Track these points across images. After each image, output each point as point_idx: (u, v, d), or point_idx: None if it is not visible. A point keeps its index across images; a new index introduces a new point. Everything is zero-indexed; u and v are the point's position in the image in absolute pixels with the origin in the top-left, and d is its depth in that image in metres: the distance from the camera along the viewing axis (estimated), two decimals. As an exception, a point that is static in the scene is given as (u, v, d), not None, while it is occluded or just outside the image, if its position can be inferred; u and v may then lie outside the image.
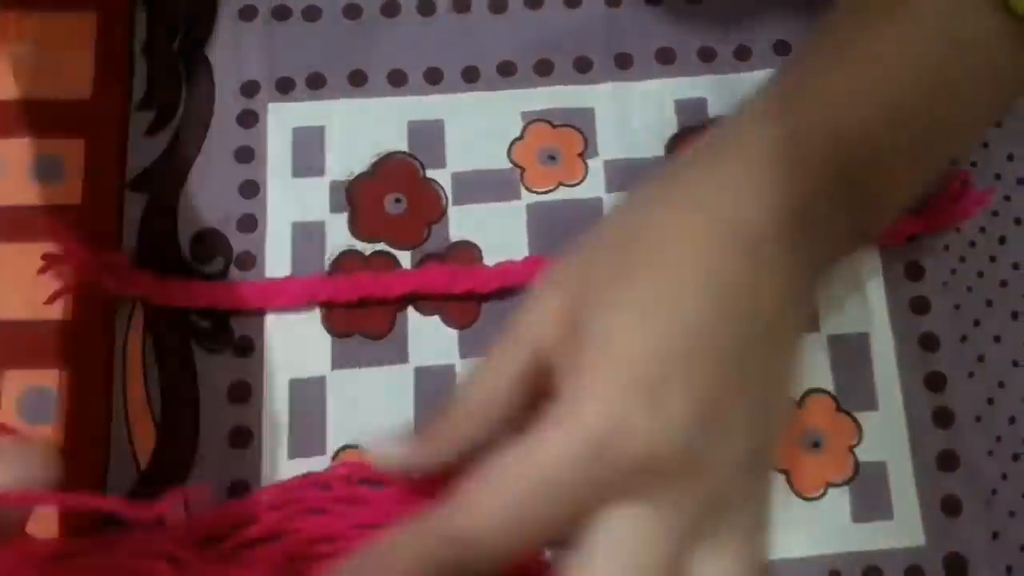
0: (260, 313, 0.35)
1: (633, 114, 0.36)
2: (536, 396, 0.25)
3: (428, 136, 0.37)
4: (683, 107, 0.37)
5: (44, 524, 0.30)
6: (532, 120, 0.37)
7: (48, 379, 0.34)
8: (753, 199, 0.25)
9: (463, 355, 0.34)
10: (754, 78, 0.37)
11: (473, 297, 0.35)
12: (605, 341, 0.24)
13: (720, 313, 0.24)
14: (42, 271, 0.34)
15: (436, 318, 0.35)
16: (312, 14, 0.38)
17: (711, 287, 0.24)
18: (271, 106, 0.37)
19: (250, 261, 0.35)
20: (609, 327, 0.24)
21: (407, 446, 0.28)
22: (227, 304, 0.34)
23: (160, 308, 0.35)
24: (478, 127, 0.37)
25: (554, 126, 0.37)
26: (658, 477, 0.23)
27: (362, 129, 0.37)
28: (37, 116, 0.37)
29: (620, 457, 0.23)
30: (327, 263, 0.35)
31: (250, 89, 0.37)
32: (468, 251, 0.35)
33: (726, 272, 0.24)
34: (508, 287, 0.34)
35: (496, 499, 0.23)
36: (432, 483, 0.31)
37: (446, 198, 0.36)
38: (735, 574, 0.24)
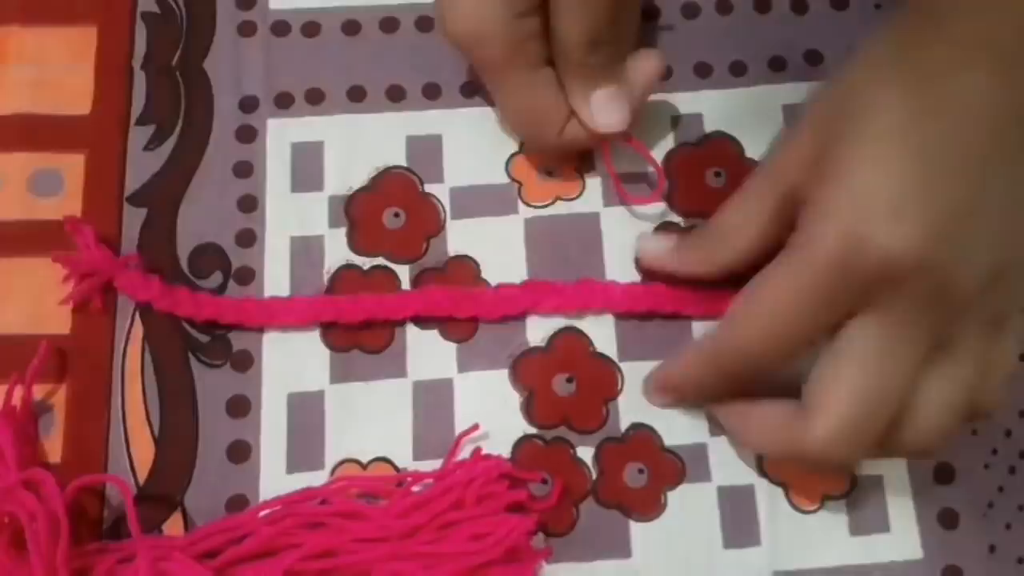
0: (260, 328, 0.35)
1: (630, 128, 0.36)
2: (788, 230, 0.28)
3: (427, 151, 0.37)
4: (679, 122, 0.37)
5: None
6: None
7: (47, 393, 0.34)
8: (995, 20, 0.26)
9: (461, 369, 0.34)
10: (750, 93, 0.38)
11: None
12: (846, 171, 0.26)
13: (961, 132, 0.25)
14: (57, 261, 0.34)
15: (435, 332, 0.35)
16: (311, 30, 0.39)
17: (953, 108, 0.26)
18: (270, 121, 0.37)
19: (249, 276, 0.35)
20: (850, 158, 0.26)
21: (674, 247, 0.33)
22: (230, 319, 0.34)
23: (159, 322, 0.35)
24: (476, 142, 0.37)
25: (551, 141, 0.37)
26: (899, 288, 0.25)
27: (361, 144, 0.37)
28: (36, 131, 0.37)
29: (861, 270, 0.26)
30: (326, 278, 0.35)
31: (249, 104, 0.38)
32: (466, 265, 0.35)
33: (971, 92, 0.26)
34: (512, 314, 0.34)
35: (756, 315, 0.28)
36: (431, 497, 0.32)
37: (444, 212, 0.36)
38: (960, 397, 0.27)
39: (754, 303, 0.29)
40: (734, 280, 0.31)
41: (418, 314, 0.34)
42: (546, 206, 0.36)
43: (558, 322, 0.35)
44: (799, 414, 0.28)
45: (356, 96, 0.38)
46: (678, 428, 0.33)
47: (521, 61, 0.32)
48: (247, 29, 0.39)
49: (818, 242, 0.26)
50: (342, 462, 0.33)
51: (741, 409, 0.31)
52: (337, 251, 0.36)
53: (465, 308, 0.34)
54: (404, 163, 0.37)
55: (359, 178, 0.37)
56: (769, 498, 0.33)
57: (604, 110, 0.33)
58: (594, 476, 0.33)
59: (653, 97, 0.37)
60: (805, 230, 0.27)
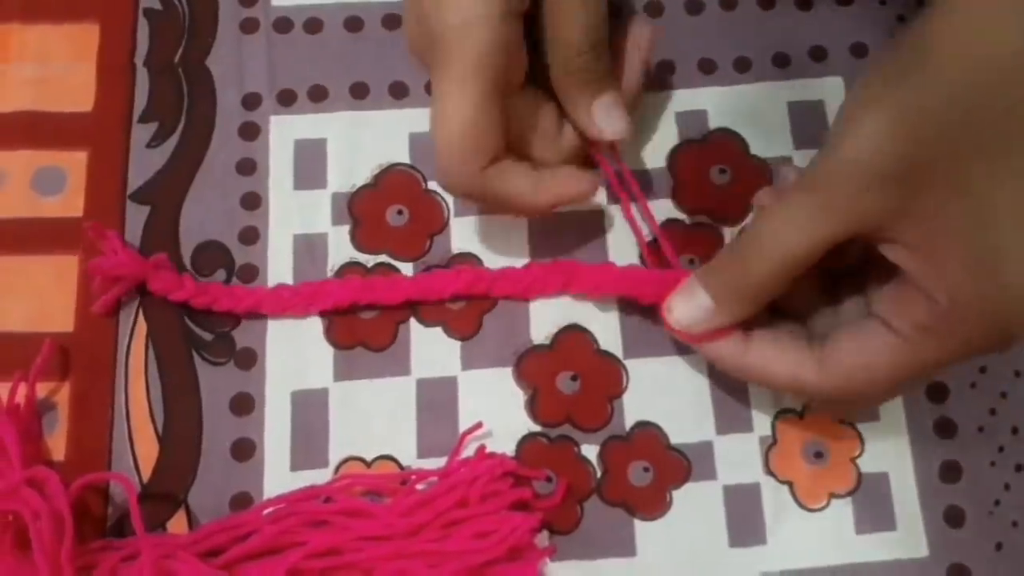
0: (263, 322, 0.35)
1: (634, 126, 0.36)
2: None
3: (430, 148, 0.36)
4: (684, 119, 0.37)
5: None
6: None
7: (51, 391, 0.34)
8: None
9: (465, 367, 0.34)
10: (754, 90, 0.37)
11: (474, 307, 0.35)
12: (961, 227, 0.25)
13: None
14: (91, 269, 0.34)
15: (438, 329, 0.35)
16: (313, 26, 0.39)
17: None
18: (273, 118, 0.37)
19: (252, 273, 0.35)
20: (960, 211, 0.25)
21: (707, 314, 0.30)
22: (269, 309, 0.34)
23: (163, 320, 0.35)
24: (480, 139, 0.37)
25: (555, 138, 0.37)
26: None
27: (364, 141, 0.37)
28: (39, 128, 0.37)
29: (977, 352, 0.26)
30: (329, 275, 0.35)
31: (252, 101, 0.37)
32: (470, 262, 0.35)
33: None
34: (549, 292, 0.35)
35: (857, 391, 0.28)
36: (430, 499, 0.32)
37: (448, 210, 0.36)
38: None
39: (860, 367, 0.28)
40: None
41: (458, 293, 0.34)
42: (550, 203, 0.36)
43: (562, 320, 0.35)
44: (816, 347, 0.29)
45: (359, 93, 0.38)
46: (683, 426, 0.33)
47: (518, 65, 0.30)
48: (249, 26, 0.39)
49: (966, 336, 0.26)
50: (346, 460, 0.33)
51: (762, 357, 0.30)
52: (340, 249, 0.36)
53: (500, 287, 0.34)
54: (407, 160, 0.37)
55: (362, 175, 0.37)
56: (775, 496, 0.33)
57: (609, 118, 0.32)
58: (598, 474, 0.33)
59: (657, 93, 0.37)
60: (946, 318, 0.26)
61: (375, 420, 0.34)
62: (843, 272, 0.30)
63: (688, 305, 0.30)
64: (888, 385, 0.28)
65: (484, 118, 0.29)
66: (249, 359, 0.34)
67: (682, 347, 0.34)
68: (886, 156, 0.25)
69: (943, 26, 0.24)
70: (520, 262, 0.35)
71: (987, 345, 0.26)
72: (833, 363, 0.28)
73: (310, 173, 0.37)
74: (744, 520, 0.32)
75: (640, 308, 0.34)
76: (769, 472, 0.33)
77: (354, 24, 0.39)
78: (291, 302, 0.34)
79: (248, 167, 0.37)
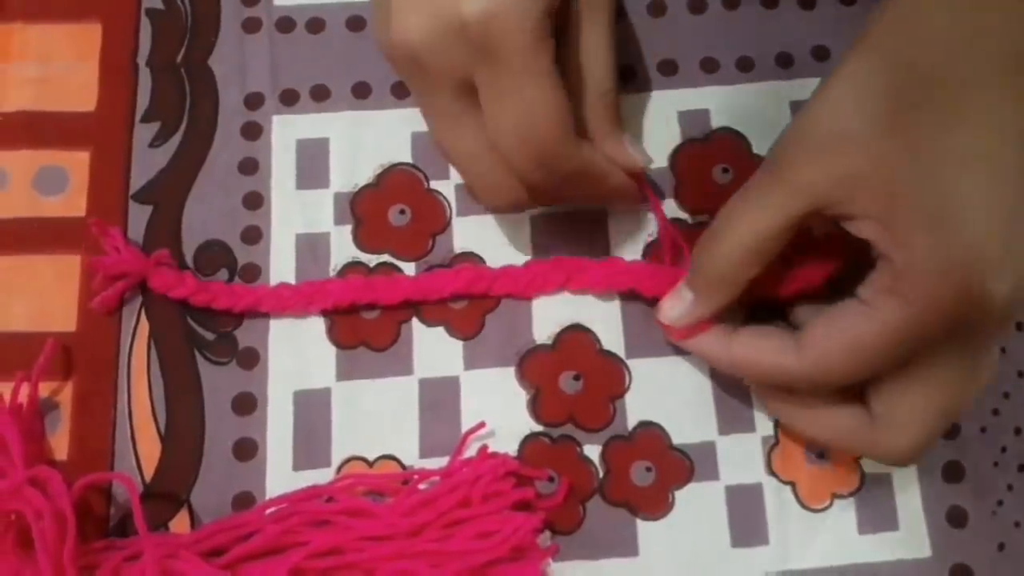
0: (265, 322, 0.35)
1: (636, 125, 0.36)
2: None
3: (432, 148, 0.37)
4: (686, 118, 0.37)
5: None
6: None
7: (53, 391, 0.34)
8: None
9: (468, 366, 0.34)
10: (757, 89, 0.37)
11: (477, 306, 0.35)
12: (952, 215, 0.25)
13: None
14: (91, 266, 0.34)
15: (441, 329, 0.35)
16: (316, 26, 0.39)
17: None
18: (275, 118, 0.37)
19: (254, 273, 0.35)
20: (955, 196, 0.25)
21: (689, 306, 0.31)
22: (269, 307, 0.34)
23: (165, 320, 0.35)
24: (482, 138, 0.37)
25: (558, 137, 0.37)
26: (988, 323, 0.27)
27: (366, 141, 0.37)
28: (41, 128, 0.37)
29: (964, 315, 0.26)
30: (331, 275, 0.35)
31: (254, 101, 0.37)
32: (472, 262, 0.35)
33: None
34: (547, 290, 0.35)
35: (837, 353, 0.28)
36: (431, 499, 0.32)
37: (450, 209, 0.36)
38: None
39: (834, 341, 0.28)
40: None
41: (458, 292, 0.34)
42: (552, 203, 0.36)
43: (565, 319, 0.35)
44: (877, 425, 0.29)
45: (361, 92, 0.38)
46: (686, 426, 0.33)
47: (548, 51, 0.29)
48: (252, 25, 0.39)
49: (926, 294, 0.26)
50: (348, 460, 0.33)
51: (809, 413, 0.31)
52: (343, 248, 0.36)
53: (501, 285, 0.34)
54: (410, 160, 0.37)
55: (365, 175, 0.37)
56: (777, 497, 0.33)
57: (638, 149, 0.34)
58: (601, 474, 0.33)
59: (660, 93, 0.37)
60: (904, 277, 0.26)
61: (377, 420, 0.34)
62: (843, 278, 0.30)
63: (673, 300, 0.31)
64: (863, 357, 0.28)
65: (562, 92, 0.29)
66: (251, 359, 0.34)
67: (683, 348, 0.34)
68: (833, 125, 0.26)
69: (886, 14, 0.27)
70: (522, 261, 0.35)
71: (957, 305, 0.26)
72: (809, 343, 0.28)
73: (312, 173, 0.37)
74: (746, 520, 0.32)
75: (643, 309, 0.34)
76: (771, 472, 0.33)
77: (356, 24, 0.39)
78: (291, 301, 0.34)
79: (250, 167, 0.37)
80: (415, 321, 0.35)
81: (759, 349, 0.30)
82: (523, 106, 0.28)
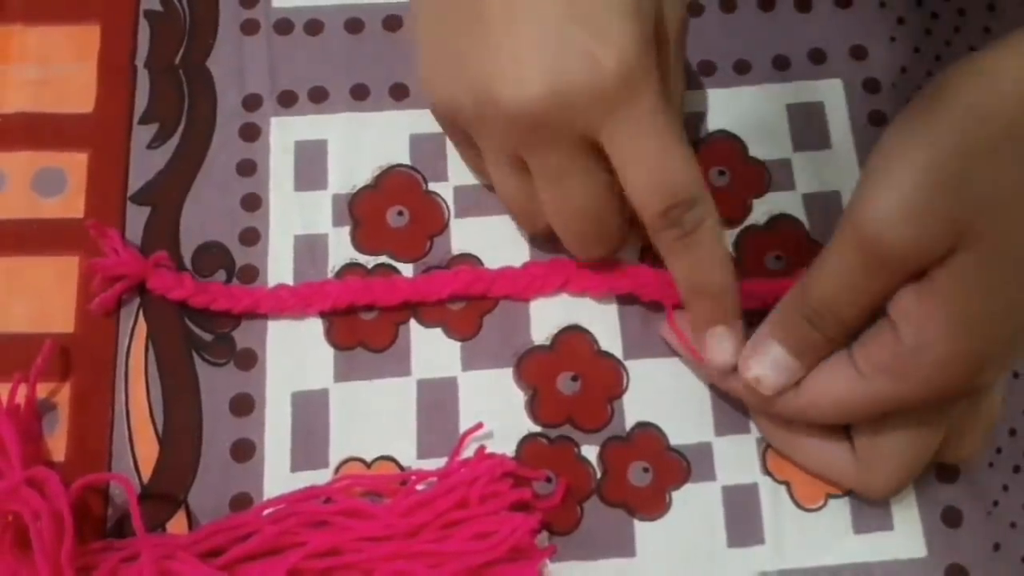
0: (263, 323, 0.35)
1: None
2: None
3: (430, 149, 0.37)
4: (684, 120, 0.37)
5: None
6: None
7: (51, 392, 0.34)
8: None
9: (465, 367, 0.34)
10: (754, 92, 0.38)
11: (475, 307, 0.35)
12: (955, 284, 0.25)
13: None
14: (90, 268, 0.34)
15: (438, 330, 0.35)
16: (314, 28, 0.39)
17: None
18: (273, 120, 0.37)
19: (252, 274, 0.35)
20: (961, 266, 0.25)
21: (790, 371, 0.29)
22: (267, 309, 0.34)
23: (163, 321, 0.35)
24: (480, 140, 0.37)
25: (555, 139, 0.37)
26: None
27: (364, 142, 0.37)
28: (39, 129, 0.37)
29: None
30: (330, 276, 0.35)
31: (252, 102, 0.38)
32: (470, 263, 0.35)
33: None
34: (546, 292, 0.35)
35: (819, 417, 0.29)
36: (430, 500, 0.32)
37: (448, 211, 0.36)
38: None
39: (820, 393, 0.29)
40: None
41: (456, 293, 0.34)
42: (550, 204, 0.36)
43: (562, 320, 0.35)
44: (859, 463, 0.31)
45: (359, 94, 0.38)
46: (683, 427, 0.33)
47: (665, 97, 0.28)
48: (250, 27, 0.39)
49: (926, 383, 0.26)
50: (346, 461, 0.33)
51: (799, 443, 0.32)
52: (341, 250, 0.36)
53: (499, 286, 0.34)
54: (408, 161, 0.37)
55: (363, 176, 0.37)
56: (773, 497, 0.33)
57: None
58: (598, 475, 0.33)
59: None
60: (907, 360, 0.26)
61: (375, 421, 0.34)
62: None
63: (767, 365, 0.29)
64: (847, 413, 0.29)
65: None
66: (249, 360, 0.34)
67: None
68: (927, 199, 0.25)
69: (962, 77, 0.24)
70: (521, 263, 0.35)
71: (948, 391, 0.27)
72: (802, 387, 0.29)
73: (311, 174, 0.37)
74: (742, 520, 0.32)
75: (640, 310, 0.35)
76: (767, 472, 0.33)
77: (355, 25, 0.39)
78: (289, 302, 0.34)
79: (249, 168, 0.37)
80: (413, 322, 0.35)
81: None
82: (658, 161, 0.28)
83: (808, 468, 0.32)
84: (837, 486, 0.32)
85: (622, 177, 0.28)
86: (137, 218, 0.36)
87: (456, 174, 0.37)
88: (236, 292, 0.34)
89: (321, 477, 0.33)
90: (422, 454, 0.33)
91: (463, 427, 0.33)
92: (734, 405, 0.34)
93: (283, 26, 0.39)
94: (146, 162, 0.37)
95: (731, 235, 0.36)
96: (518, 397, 0.34)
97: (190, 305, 0.34)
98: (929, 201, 0.24)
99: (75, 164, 0.37)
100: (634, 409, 0.34)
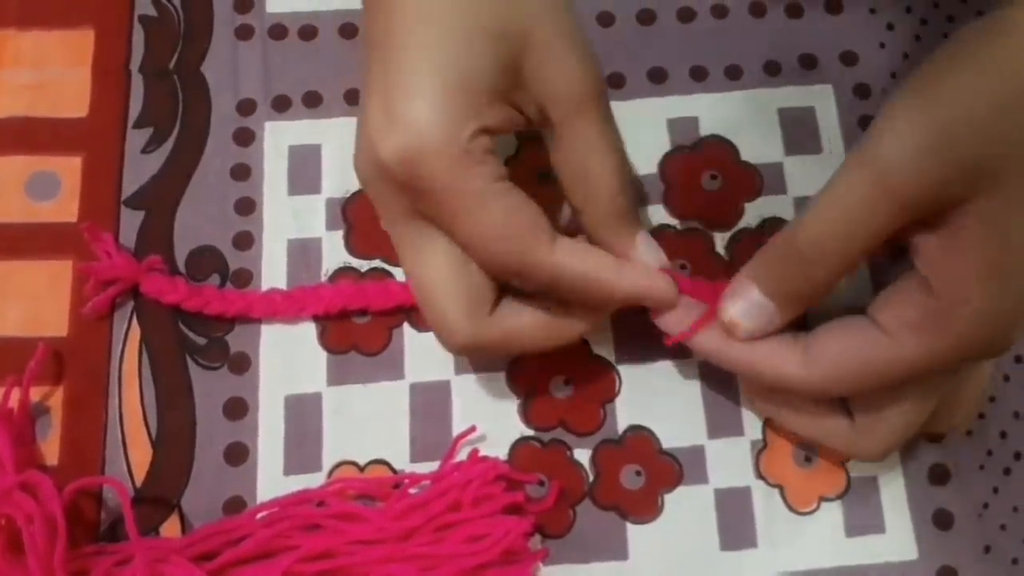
0: (256, 327, 0.35)
1: (625, 133, 0.36)
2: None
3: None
4: (675, 126, 0.37)
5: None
6: (526, 139, 0.37)
7: (45, 395, 0.34)
8: None
9: (458, 371, 0.34)
10: (746, 96, 0.38)
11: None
12: (986, 231, 0.24)
13: None
14: (83, 271, 0.35)
15: (431, 334, 0.35)
16: (308, 33, 0.39)
17: None
18: (267, 124, 0.37)
19: (246, 278, 0.35)
20: (993, 212, 0.24)
21: (771, 316, 0.29)
22: (260, 313, 0.34)
23: (157, 325, 0.35)
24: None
25: (548, 144, 0.37)
26: None
27: (358, 147, 0.37)
28: (33, 134, 0.37)
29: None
30: (323, 280, 0.35)
31: (246, 107, 0.38)
32: (463, 268, 0.36)
33: None
34: None
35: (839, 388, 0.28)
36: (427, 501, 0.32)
37: (441, 215, 0.36)
38: None
39: (844, 362, 0.28)
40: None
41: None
42: (543, 209, 0.36)
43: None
44: (857, 431, 0.30)
45: (353, 99, 0.38)
46: (675, 430, 0.34)
47: (483, 172, 0.27)
48: (244, 32, 0.39)
49: (960, 339, 0.26)
50: (339, 464, 0.33)
51: (797, 415, 0.31)
52: (335, 253, 0.36)
53: None
54: (401, 166, 0.37)
55: (356, 181, 0.36)
56: (765, 500, 0.33)
57: (651, 251, 0.30)
58: (591, 478, 0.33)
59: (649, 100, 0.38)
60: (942, 317, 0.26)
61: (368, 424, 0.34)
62: None
63: (746, 307, 0.29)
64: (871, 380, 0.28)
65: (515, 200, 0.28)
66: (243, 363, 0.34)
67: (674, 352, 0.34)
68: (952, 137, 0.24)
69: (987, 30, 0.24)
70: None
71: (978, 350, 0.26)
72: (816, 356, 0.28)
73: (304, 178, 0.37)
74: (735, 524, 0.33)
75: (632, 314, 0.35)
76: (760, 476, 0.33)
77: (348, 31, 0.39)
78: (282, 306, 0.34)
79: (243, 172, 0.37)
80: (406, 326, 0.35)
81: (762, 353, 0.29)
82: (467, 227, 0.27)
83: (805, 435, 0.32)
84: (833, 449, 0.32)
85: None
86: (131, 222, 0.36)
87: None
88: (229, 296, 0.34)
89: (314, 480, 0.33)
90: (415, 457, 0.33)
91: (456, 431, 0.33)
92: (727, 408, 0.34)
93: (277, 31, 0.39)
94: (140, 166, 0.37)
95: (723, 239, 0.36)
96: (511, 400, 0.34)
97: (183, 309, 0.34)
98: (954, 139, 0.24)
99: (69, 168, 0.37)
100: (626, 412, 0.34)
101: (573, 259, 0.28)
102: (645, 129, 0.37)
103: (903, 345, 0.26)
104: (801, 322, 0.29)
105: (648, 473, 0.33)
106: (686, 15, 0.39)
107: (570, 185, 0.30)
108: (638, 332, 0.34)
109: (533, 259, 0.28)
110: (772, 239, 0.28)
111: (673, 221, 0.36)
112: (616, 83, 0.38)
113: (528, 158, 0.36)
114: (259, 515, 0.32)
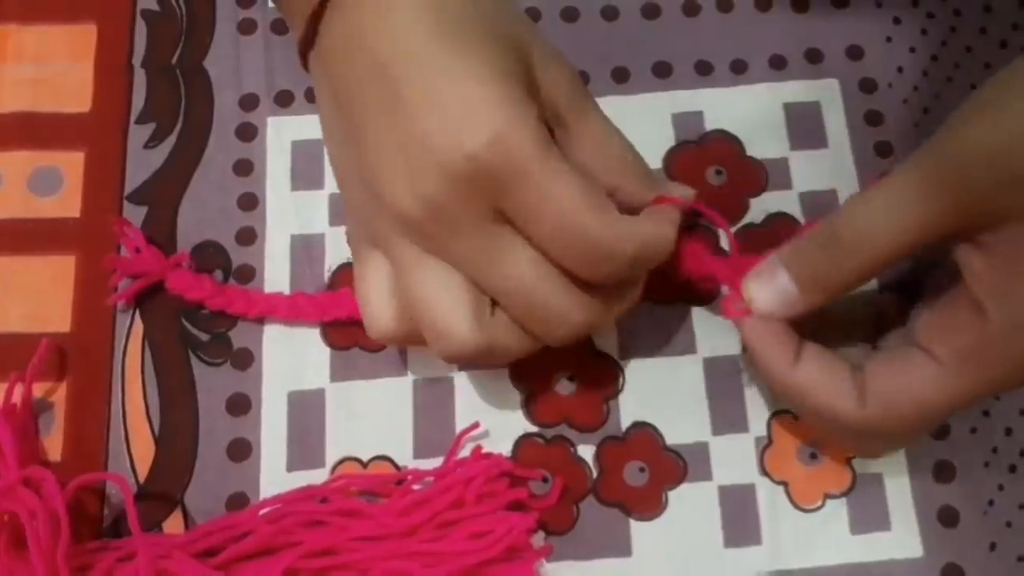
0: (260, 323, 0.35)
1: (630, 128, 0.36)
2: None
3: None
4: (680, 120, 0.37)
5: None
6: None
7: (48, 391, 0.34)
8: None
9: (462, 367, 0.34)
10: (751, 91, 0.38)
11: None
12: None
13: None
14: (110, 265, 0.35)
15: (435, 330, 0.35)
16: (311, 28, 0.39)
17: None
18: (270, 119, 0.37)
19: (249, 274, 0.35)
20: None
21: (791, 299, 0.28)
22: (284, 315, 0.34)
23: (160, 321, 0.35)
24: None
25: (552, 139, 0.37)
26: None
27: (361, 142, 0.37)
28: (36, 129, 0.37)
29: None
30: (327, 276, 0.35)
31: (249, 102, 0.38)
32: (466, 263, 0.35)
33: None
34: None
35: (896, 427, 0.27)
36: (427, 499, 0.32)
37: (444, 211, 0.36)
38: None
39: (901, 402, 0.27)
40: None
41: None
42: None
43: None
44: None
45: (356, 94, 0.38)
46: (679, 427, 0.33)
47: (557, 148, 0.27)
48: (247, 27, 0.39)
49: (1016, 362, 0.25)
50: (342, 460, 0.33)
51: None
52: (338, 249, 0.36)
53: None
54: (404, 161, 0.37)
55: (359, 176, 0.37)
56: (770, 497, 0.33)
57: (682, 187, 0.33)
58: (595, 475, 0.33)
59: (653, 95, 0.38)
60: (996, 342, 0.25)
61: (371, 421, 0.34)
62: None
63: (769, 289, 0.28)
64: (930, 417, 0.27)
65: (587, 179, 0.28)
66: (246, 360, 0.34)
67: (678, 348, 0.34)
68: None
69: None
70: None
71: None
72: (872, 393, 0.27)
73: (307, 174, 0.37)
74: (739, 520, 0.32)
75: (636, 309, 0.34)
76: (764, 473, 0.33)
77: (351, 25, 0.39)
78: (307, 310, 0.34)
79: (245, 168, 0.37)
80: (409, 322, 0.35)
81: (819, 384, 0.28)
82: (559, 204, 0.26)
83: (821, 431, 0.32)
84: (833, 445, 0.32)
85: (531, 240, 0.27)
86: (134, 217, 0.36)
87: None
88: (254, 296, 0.34)
89: (317, 477, 0.33)
90: (418, 454, 0.33)
91: (459, 427, 0.33)
92: (731, 404, 0.34)
93: (280, 26, 0.39)
94: (143, 161, 0.37)
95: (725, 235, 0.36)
96: (514, 397, 0.34)
97: (189, 305, 0.34)
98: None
99: (72, 163, 0.37)
100: (630, 409, 0.34)
101: (645, 224, 0.29)
102: (650, 124, 0.37)
103: (961, 376, 0.26)
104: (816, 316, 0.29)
105: (652, 470, 0.33)
106: (691, 9, 0.39)
107: (602, 164, 0.30)
108: (642, 328, 0.34)
109: (615, 230, 0.27)
110: (808, 229, 0.28)
111: (677, 217, 0.36)
112: (621, 77, 0.38)
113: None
114: (262, 511, 0.32)
